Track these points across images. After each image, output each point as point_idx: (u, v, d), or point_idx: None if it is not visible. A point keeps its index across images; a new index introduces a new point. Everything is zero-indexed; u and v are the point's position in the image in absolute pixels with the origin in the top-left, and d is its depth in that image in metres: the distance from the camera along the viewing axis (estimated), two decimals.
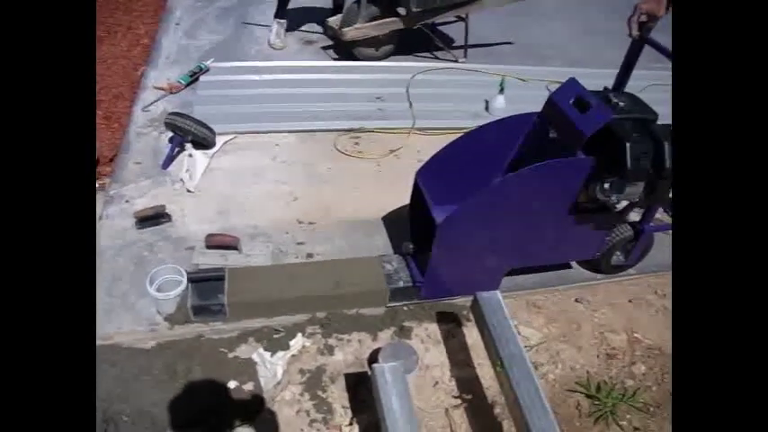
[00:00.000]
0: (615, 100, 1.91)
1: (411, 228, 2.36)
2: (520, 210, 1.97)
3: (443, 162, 2.17)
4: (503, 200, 1.91)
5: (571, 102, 1.92)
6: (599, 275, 2.44)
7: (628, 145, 1.80)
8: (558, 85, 4.01)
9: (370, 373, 1.77)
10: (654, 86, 3.41)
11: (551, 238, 2.15)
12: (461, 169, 2.16)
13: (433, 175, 2.18)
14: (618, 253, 2.34)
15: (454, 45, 4.24)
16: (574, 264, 2.46)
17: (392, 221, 2.54)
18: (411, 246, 2.18)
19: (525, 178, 1.85)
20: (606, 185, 1.88)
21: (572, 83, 1.98)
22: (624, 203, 2.07)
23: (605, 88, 2.05)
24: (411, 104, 3.39)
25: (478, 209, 1.91)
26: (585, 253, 2.30)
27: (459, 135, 2.18)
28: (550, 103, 2.01)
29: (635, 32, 1.99)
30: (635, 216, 2.26)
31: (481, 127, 2.16)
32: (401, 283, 2.12)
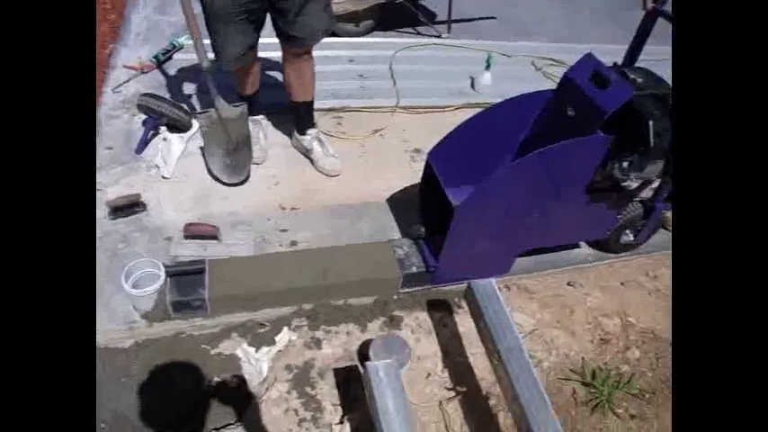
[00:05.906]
0: (632, 76, 1.84)
1: (421, 210, 2.28)
2: (537, 190, 1.90)
3: (456, 142, 2.08)
4: (521, 180, 1.84)
5: (588, 78, 1.84)
6: (590, 257, 2.40)
7: (651, 122, 1.72)
8: (544, 62, 3.91)
9: (360, 369, 1.70)
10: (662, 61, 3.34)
11: (566, 219, 2.09)
12: (475, 150, 2.08)
13: (447, 157, 2.09)
14: (627, 231, 2.29)
15: (437, 20, 4.11)
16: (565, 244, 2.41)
17: (378, 205, 2.45)
18: (422, 229, 2.09)
19: (545, 157, 1.77)
20: (625, 164, 1.81)
21: (588, 58, 1.90)
22: (638, 182, 2.02)
23: (615, 64, 1.97)
24: (395, 82, 3.28)
25: (496, 190, 1.84)
26: (597, 232, 2.26)
27: (452, 112, 2.09)
28: (566, 79, 1.93)
29: (650, 4, 1.92)
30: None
31: (495, 106, 2.09)
32: (414, 269, 2.03)
